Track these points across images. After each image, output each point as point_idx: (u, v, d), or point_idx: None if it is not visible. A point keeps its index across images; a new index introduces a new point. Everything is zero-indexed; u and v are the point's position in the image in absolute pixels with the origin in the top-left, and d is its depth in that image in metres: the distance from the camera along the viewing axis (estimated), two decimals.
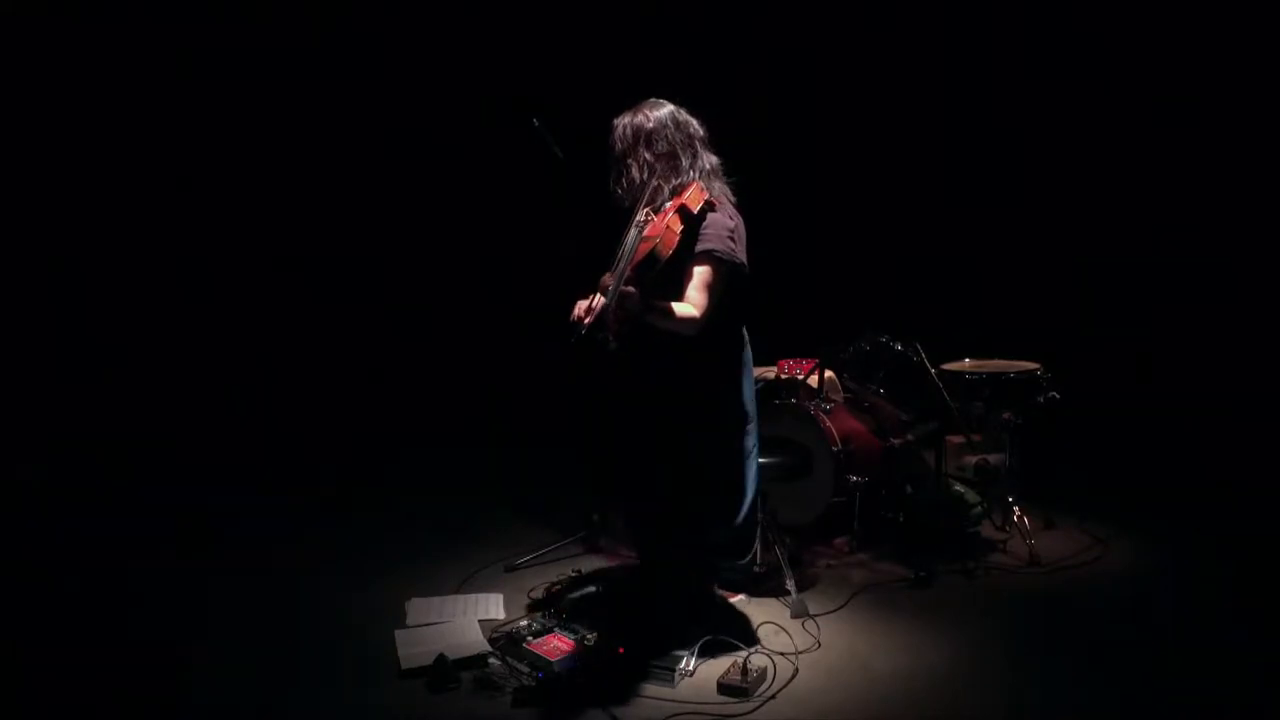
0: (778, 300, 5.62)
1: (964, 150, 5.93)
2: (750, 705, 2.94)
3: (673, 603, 3.34)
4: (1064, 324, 5.63)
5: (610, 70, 5.31)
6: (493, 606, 3.64)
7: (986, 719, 2.94)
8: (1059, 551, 4.12)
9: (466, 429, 6.02)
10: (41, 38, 5.38)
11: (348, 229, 6.19)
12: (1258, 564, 3.93)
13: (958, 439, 4.47)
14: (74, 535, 4.45)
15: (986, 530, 4.32)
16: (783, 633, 3.38)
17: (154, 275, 5.82)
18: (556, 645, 3.17)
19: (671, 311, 2.95)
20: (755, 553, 3.41)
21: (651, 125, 3.08)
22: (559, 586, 3.81)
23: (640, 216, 3.01)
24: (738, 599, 3.67)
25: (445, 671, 3.07)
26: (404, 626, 3.47)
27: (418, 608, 3.61)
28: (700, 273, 3.00)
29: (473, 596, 3.73)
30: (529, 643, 3.20)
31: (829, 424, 4.27)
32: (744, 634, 3.36)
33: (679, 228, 2.96)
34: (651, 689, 3.03)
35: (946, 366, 4.29)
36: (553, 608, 3.51)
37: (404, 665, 3.17)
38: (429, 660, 3.10)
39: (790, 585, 3.61)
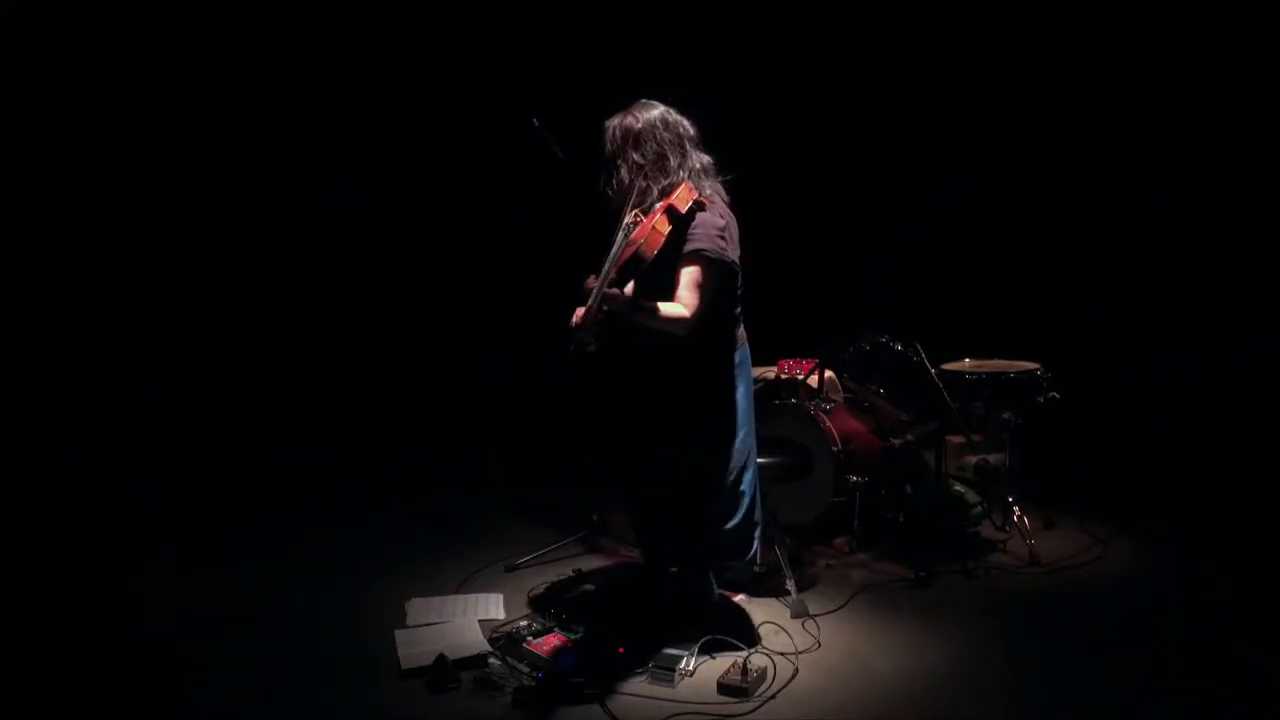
0: (778, 300, 5.64)
1: (964, 150, 5.93)
2: (750, 705, 2.94)
3: (673, 602, 3.34)
4: (1064, 324, 5.63)
5: (611, 70, 5.31)
6: (493, 606, 3.64)
7: (986, 719, 2.94)
8: (1059, 551, 4.12)
9: (466, 429, 6.02)
10: (40, 37, 5.38)
11: (348, 228, 6.19)
12: (1258, 564, 3.93)
13: (958, 439, 4.47)
14: (74, 535, 4.45)
15: (986, 530, 4.32)
16: (783, 633, 3.38)
17: (154, 275, 5.82)
18: (556, 645, 3.17)
19: (660, 311, 2.96)
20: (755, 552, 3.40)
21: (640, 127, 3.09)
22: (559, 586, 3.81)
23: (629, 219, 3.02)
24: (738, 599, 3.67)
25: (445, 671, 3.07)
26: (404, 626, 3.46)
27: (418, 608, 3.61)
28: (690, 273, 3.01)
29: (473, 596, 3.73)
30: (529, 643, 3.20)
31: (829, 424, 4.26)
32: (744, 634, 3.36)
33: (665, 229, 2.97)
34: (651, 689, 3.04)
35: (946, 366, 4.29)
36: (553, 608, 3.51)
37: (404, 665, 3.17)
38: (429, 660, 3.10)
39: (790, 585, 3.61)
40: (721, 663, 3.13)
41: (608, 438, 3.43)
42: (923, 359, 4.11)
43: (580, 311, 3.02)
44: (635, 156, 3.07)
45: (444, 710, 2.96)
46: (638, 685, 3.06)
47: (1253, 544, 4.13)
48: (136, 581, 3.95)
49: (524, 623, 3.40)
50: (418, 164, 6.20)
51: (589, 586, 3.77)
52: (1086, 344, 5.57)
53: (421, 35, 6.02)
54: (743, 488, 3.26)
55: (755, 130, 5.91)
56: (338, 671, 3.20)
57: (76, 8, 5.42)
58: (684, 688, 3.06)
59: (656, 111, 3.13)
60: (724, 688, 3.01)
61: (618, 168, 3.10)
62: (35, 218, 5.49)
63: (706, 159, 3.17)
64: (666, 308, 2.98)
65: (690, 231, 3.02)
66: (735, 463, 3.23)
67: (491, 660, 3.18)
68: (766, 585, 3.76)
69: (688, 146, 3.13)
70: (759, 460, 3.63)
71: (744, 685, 2.99)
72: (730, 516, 3.26)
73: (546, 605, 3.60)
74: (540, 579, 3.91)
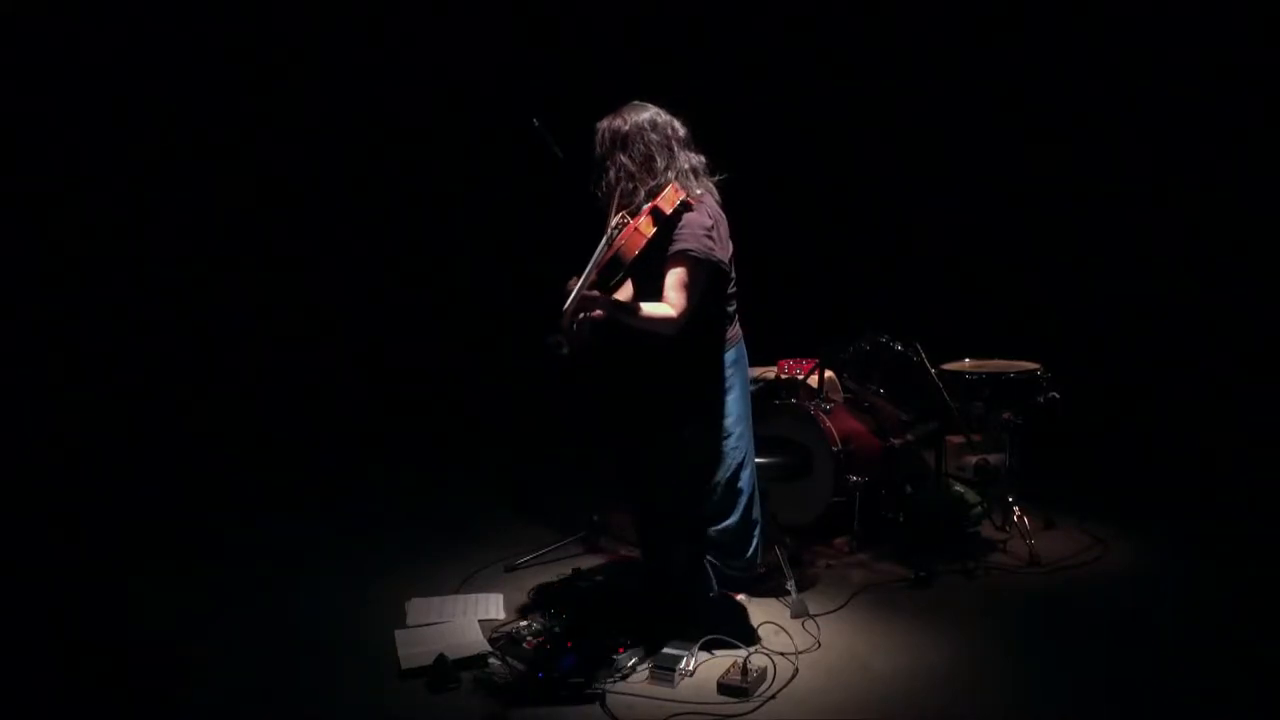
0: (778, 300, 5.64)
1: (964, 150, 5.93)
2: (750, 705, 2.94)
3: (673, 602, 3.34)
4: (1064, 324, 5.63)
5: (610, 69, 5.32)
6: (493, 606, 3.64)
7: (986, 719, 2.94)
8: (1059, 551, 4.11)
9: (466, 429, 6.02)
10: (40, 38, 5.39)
11: (348, 227, 6.19)
12: (1258, 564, 3.93)
13: (958, 439, 4.47)
14: (74, 535, 4.45)
15: (986, 530, 4.32)
16: (783, 633, 3.38)
17: (153, 275, 5.82)
18: (557, 645, 3.16)
19: (645, 312, 2.98)
20: (755, 551, 3.40)
21: (627, 129, 3.11)
22: (559, 585, 3.81)
23: (615, 220, 3.04)
24: (738, 599, 3.67)
25: (445, 671, 3.07)
26: (404, 626, 3.46)
27: (418, 608, 3.61)
28: (676, 273, 3.02)
29: (473, 596, 3.72)
30: (529, 643, 3.20)
31: (829, 424, 4.26)
32: (744, 634, 3.36)
33: (649, 230, 2.99)
34: (651, 689, 3.04)
35: (946, 366, 4.29)
36: (553, 608, 3.51)
37: (404, 665, 3.17)
38: (429, 660, 3.10)
39: (790, 585, 3.61)
40: (721, 663, 3.13)
41: (606, 437, 3.44)
42: (923, 359, 4.11)
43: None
44: (623, 158, 3.09)
45: (444, 710, 2.96)
46: (638, 685, 3.06)
47: (1253, 544, 4.13)
48: (136, 581, 3.95)
49: (524, 623, 3.40)
50: (418, 164, 6.20)
51: (589, 586, 3.77)
52: (1086, 344, 5.57)
53: (419, 35, 6.02)
54: (740, 485, 3.27)
55: (755, 130, 5.92)
56: (338, 671, 3.21)
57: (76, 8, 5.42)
58: (684, 688, 3.06)
59: (646, 114, 3.15)
60: (724, 688, 3.01)
61: (606, 169, 3.13)
62: (36, 217, 5.49)
63: (697, 159, 3.18)
64: (652, 308, 3.00)
65: (677, 232, 3.04)
66: (731, 461, 3.23)
67: (491, 660, 3.18)
68: (766, 585, 3.76)
69: (676, 148, 3.13)
70: (759, 460, 3.65)
71: (744, 685, 2.99)
72: (727, 515, 3.26)
73: (546, 604, 3.59)
74: (540, 579, 3.91)
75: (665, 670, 3.07)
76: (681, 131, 3.17)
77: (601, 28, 5.89)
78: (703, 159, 3.20)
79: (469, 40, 6.04)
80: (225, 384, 5.92)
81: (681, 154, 3.14)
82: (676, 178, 3.09)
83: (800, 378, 4.54)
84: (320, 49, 5.89)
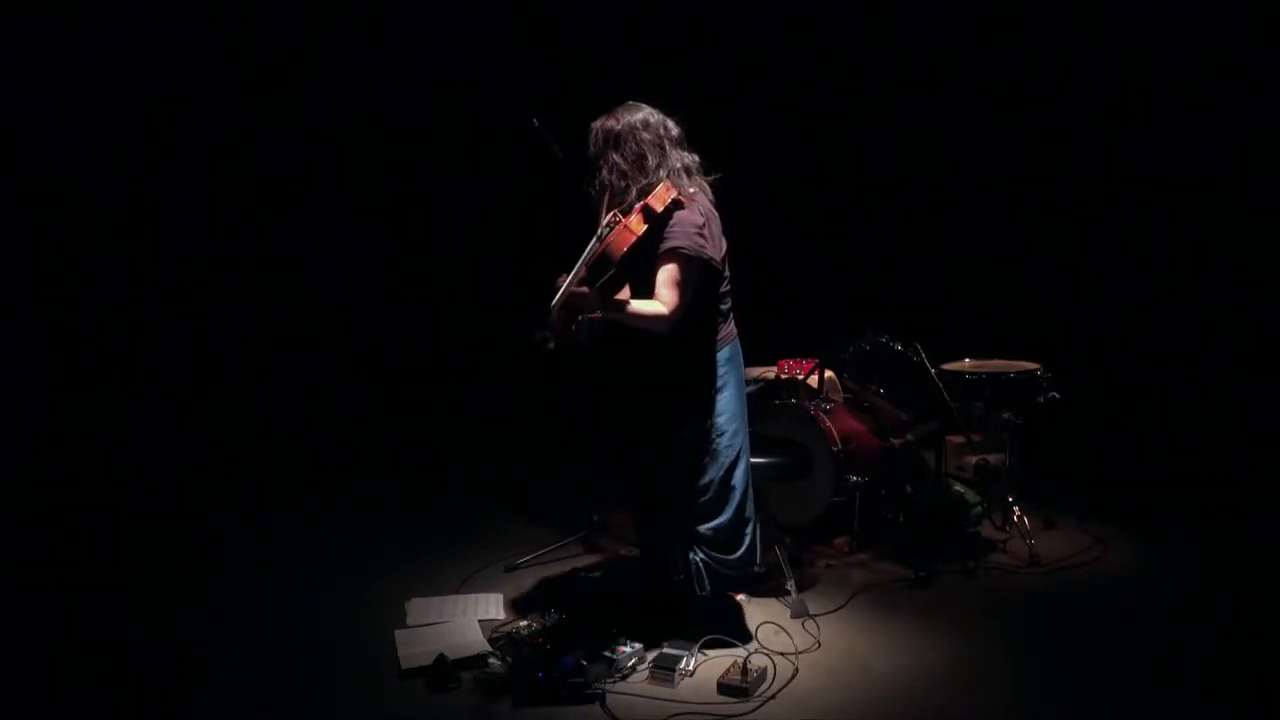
0: (778, 300, 5.65)
1: (964, 150, 5.93)
2: (750, 705, 2.94)
3: (673, 602, 3.34)
4: (1064, 324, 5.63)
5: (610, 69, 5.32)
6: (493, 606, 3.64)
7: (986, 719, 2.94)
8: (1059, 551, 4.12)
9: (466, 429, 6.02)
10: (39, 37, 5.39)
11: (348, 227, 6.19)
12: (1258, 564, 3.93)
13: (958, 439, 4.47)
14: (74, 535, 4.45)
15: (986, 530, 4.32)
16: (783, 633, 3.38)
17: (153, 274, 5.82)
18: (556, 645, 3.16)
19: (637, 309, 3.01)
20: (748, 548, 3.40)
21: (620, 128, 3.13)
22: (556, 586, 3.82)
23: (607, 219, 3.07)
24: (738, 599, 3.67)
25: (445, 671, 3.07)
26: (404, 626, 3.47)
27: (418, 608, 3.61)
28: (667, 270, 3.04)
29: (473, 596, 3.73)
30: (529, 643, 3.19)
31: (829, 424, 4.26)
32: (744, 634, 3.37)
33: (640, 228, 3.01)
34: (651, 689, 3.04)
35: (946, 366, 4.29)
36: (553, 608, 3.51)
37: (404, 665, 3.17)
38: (429, 660, 3.10)
39: (790, 585, 3.61)
40: (721, 663, 3.13)
41: (603, 437, 3.45)
42: (923, 359, 4.11)
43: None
44: (615, 157, 3.12)
45: (444, 710, 2.96)
46: (638, 685, 3.06)
47: (1253, 544, 4.12)
48: (136, 581, 3.95)
49: (524, 623, 3.40)
50: (418, 164, 6.20)
51: (588, 586, 3.77)
52: (1086, 344, 5.57)
53: (418, 35, 6.02)
54: (733, 483, 3.27)
55: (756, 130, 5.92)
56: (338, 671, 3.21)
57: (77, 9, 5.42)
58: (684, 688, 3.06)
59: (639, 114, 3.17)
60: (724, 688, 3.01)
61: (599, 168, 3.16)
62: (36, 215, 5.49)
63: (690, 158, 3.20)
64: (643, 305, 3.03)
65: (668, 230, 3.06)
66: (724, 459, 3.24)
67: (491, 660, 3.18)
68: (766, 585, 3.76)
69: (668, 147, 3.15)
70: (760, 460, 3.65)
71: (744, 685, 2.99)
72: (720, 513, 3.27)
73: (546, 604, 3.59)
74: (540, 579, 3.91)
75: (665, 670, 3.07)
76: (674, 131, 3.19)
77: (601, 27, 5.89)
78: (696, 158, 3.22)
79: (469, 40, 6.04)
80: (225, 384, 5.92)
81: (674, 153, 3.16)
82: (668, 176, 3.11)
83: (800, 378, 4.54)
84: (320, 49, 5.89)
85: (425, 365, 6.24)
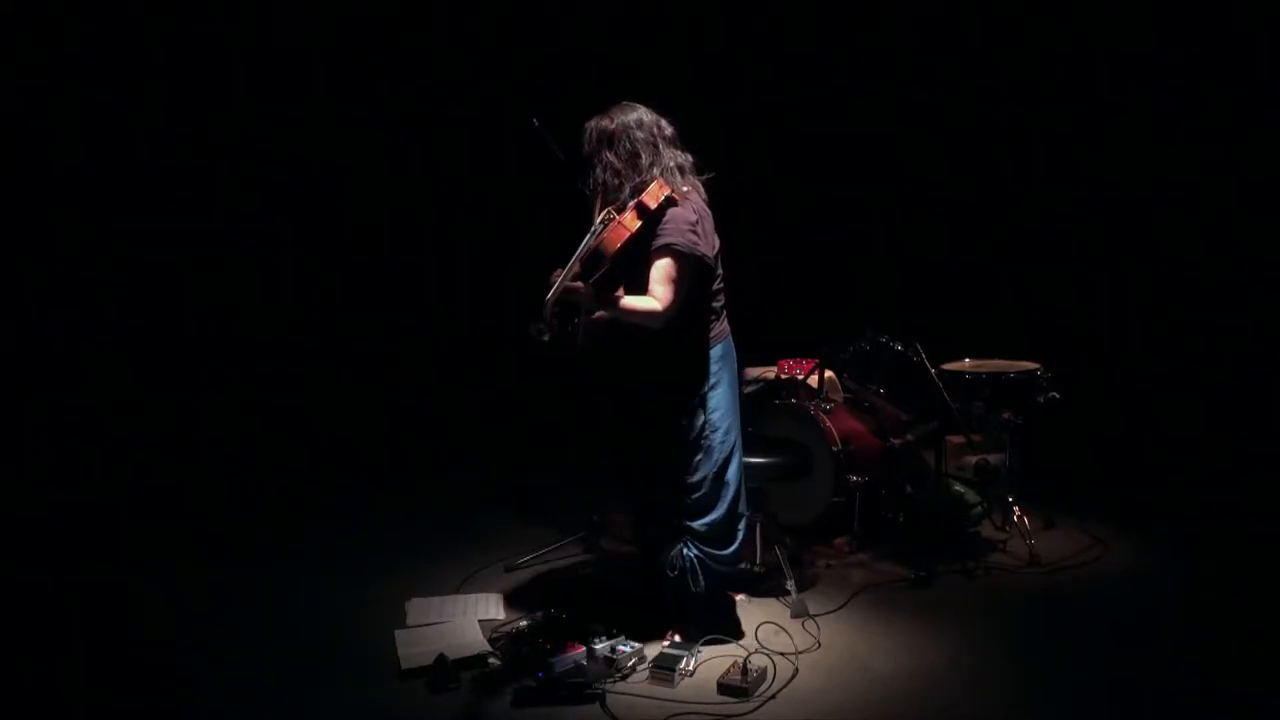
0: (778, 300, 5.65)
1: (964, 150, 5.93)
2: (750, 705, 2.94)
3: (673, 601, 3.35)
4: (1064, 324, 5.63)
5: (610, 69, 5.32)
6: (493, 606, 3.64)
7: (986, 719, 2.94)
8: (1059, 551, 4.12)
9: (466, 428, 6.02)
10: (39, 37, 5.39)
11: (348, 226, 6.19)
12: (1258, 564, 3.93)
13: (958, 439, 4.47)
14: (74, 535, 4.45)
15: (986, 530, 4.32)
16: (783, 633, 3.38)
17: (152, 274, 5.82)
18: (556, 645, 3.17)
19: (630, 305, 3.05)
20: (746, 547, 3.40)
21: (614, 127, 3.17)
22: (558, 584, 3.82)
23: (601, 216, 3.11)
24: (738, 599, 3.67)
25: (445, 671, 3.07)
26: (404, 626, 3.47)
27: (418, 608, 3.61)
28: (661, 266, 3.07)
29: (473, 596, 3.73)
30: (529, 643, 3.19)
31: (829, 424, 4.27)
32: (744, 634, 3.37)
33: (634, 225, 3.04)
34: (651, 689, 3.04)
35: (946, 366, 4.29)
36: (553, 607, 3.51)
37: (404, 665, 3.17)
38: (429, 660, 3.11)
39: (790, 585, 3.61)
40: (721, 663, 3.13)
41: (601, 435, 3.46)
42: (923, 359, 4.11)
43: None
44: (609, 155, 3.15)
45: (444, 710, 2.96)
46: (638, 685, 3.06)
47: (1253, 544, 4.12)
48: (136, 581, 3.95)
49: (524, 623, 3.40)
50: (418, 164, 6.20)
51: (587, 585, 3.77)
52: (1086, 344, 5.57)
53: (418, 35, 6.02)
54: (726, 479, 3.29)
55: (756, 130, 5.93)
56: (338, 671, 3.21)
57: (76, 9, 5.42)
58: (684, 688, 3.06)
59: (633, 114, 3.20)
60: (724, 688, 3.01)
61: (594, 166, 3.19)
62: (37, 215, 5.49)
63: (684, 157, 3.24)
64: (637, 301, 3.06)
65: (661, 227, 3.09)
66: (718, 455, 3.25)
67: (491, 660, 3.18)
68: (766, 585, 3.76)
69: (661, 145, 3.19)
70: (760, 460, 3.66)
71: (744, 685, 2.99)
72: (713, 509, 3.27)
73: (546, 604, 3.59)
74: (540, 579, 3.91)
75: (665, 670, 3.07)
76: (668, 130, 3.23)
77: (601, 27, 5.89)
78: (689, 157, 3.25)
79: (469, 40, 6.04)
80: (225, 383, 5.91)
81: (667, 151, 3.20)
82: (661, 174, 3.15)
83: (800, 378, 4.54)
84: (320, 49, 5.89)
85: (425, 365, 6.23)
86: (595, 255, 3.03)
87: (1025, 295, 5.76)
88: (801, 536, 4.23)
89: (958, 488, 4.31)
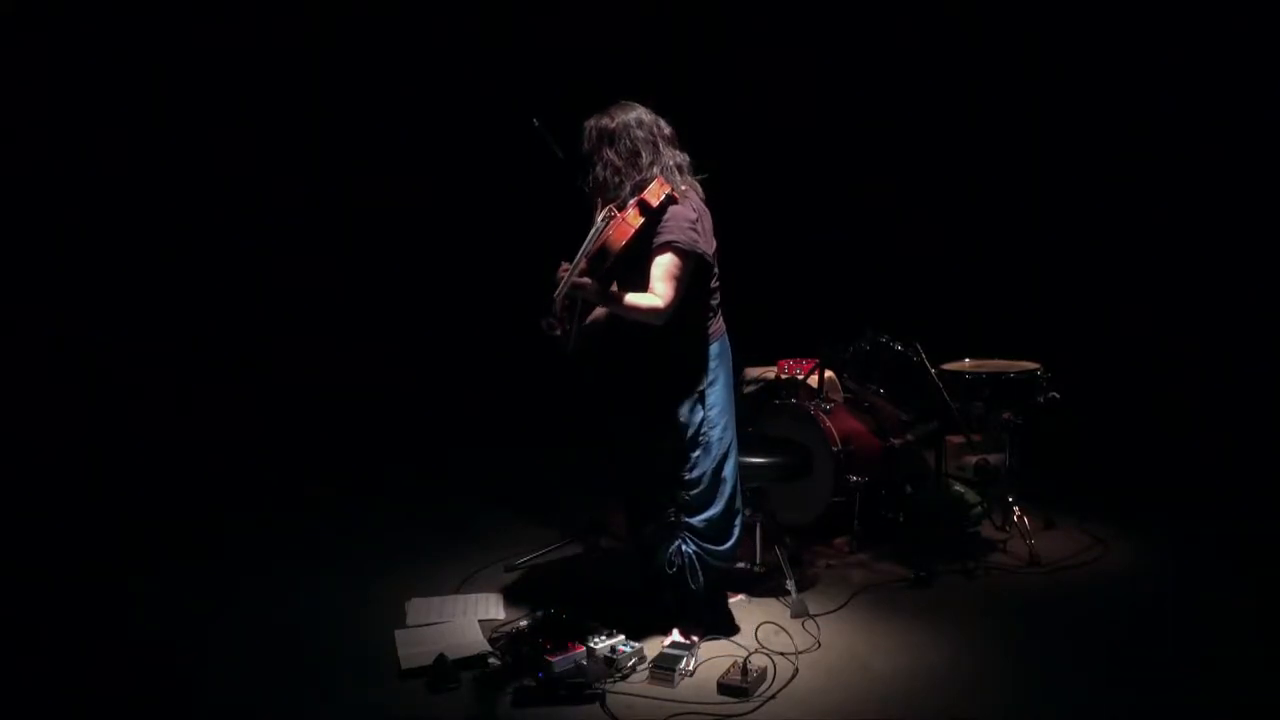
0: (778, 300, 5.65)
1: (964, 150, 5.93)
2: (750, 705, 2.94)
3: (672, 599, 3.35)
4: (1064, 324, 5.63)
5: (610, 69, 5.31)
6: (493, 606, 3.64)
7: (986, 719, 2.94)
8: (1059, 551, 4.12)
9: (467, 429, 6.02)
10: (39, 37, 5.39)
11: (347, 226, 6.19)
12: (1258, 564, 3.93)
13: (958, 439, 4.47)
14: (74, 535, 4.45)
15: (986, 530, 4.32)
16: (783, 633, 3.38)
17: (151, 274, 5.82)
18: (556, 645, 3.17)
19: (633, 301, 3.07)
20: (739, 541, 3.40)
21: (614, 126, 3.19)
22: (558, 583, 3.82)
23: (603, 213, 3.13)
24: (738, 599, 3.67)
25: (445, 671, 3.07)
26: (404, 626, 3.47)
27: (418, 608, 3.61)
28: (663, 263, 3.09)
29: (473, 596, 3.73)
30: (529, 643, 3.19)
31: (829, 424, 4.27)
32: (744, 634, 3.37)
33: (636, 222, 3.07)
34: (651, 689, 3.04)
35: (946, 366, 4.29)
36: (553, 607, 3.51)
37: (404, 665, 3.17)
38: (429, 660, 3.11)
39: (790, 585, 3.61)
40: (721, 662, 3.13)
41: (602, 433, 3.46)
42: (923, 359, 4.10)
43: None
44: (610, 153, 3.17)
45: (444, 710, 2.96)
46: (638, 685, 3.06)
47: (1253, 544, 4.12)
48: (136, 581, 3.95)
49: (524, 623, 3.40)
50: (417, 162, 6.20)
51: (587, 585, 3.77)
52: (1086, 344, 5.57)
53: (416, 35, 6.02)
54: (724, 475, 3.30)
55: (756, 130, 5.93)
56: (338, 671, 3.21)
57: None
58: (684, 688, 3.06)
59: (633, 112, 3.22)
60: (724, 688, 3.01)
61: (594, 164, 3.21)
62: (37, 213, 5.49)
63: (682, 157, 3.26)
64: (639, 298, 3.08)
65: (662, 224, 3.11)
66: (716, 452, 3.26)
67: (491, 660, 3.18)
68: (766, 585, 3.77)
69: (661, 145, 3.22)
70: (760, 460, 3.67)
71: (744, 685, 2.99)
72: (711, 505, 3.28)
73: (545, 605, 3.59)
74: (540, 579, 3.91)
75: (665, 670, 3.07)
76: (667, 130, 3.25)
77: (602, 27, 5.89)
78: (686, 157, 3.28)
79: (469, 40, 6.04)
80: (225, 383, 5.91)
81: (666, 151, 3.22)
82: (661, 173, 3.17)
83: (800, 378, 4.54)
84: (319, 48, 5.89)
85: (425, 365, 6.23)
86: (601, 252, 3.06)
87: (1025, 295, 5.76)
88: (801, 536, 4.23)
89: (958, 488, 4.31)
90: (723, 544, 3.32)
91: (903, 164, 6.00)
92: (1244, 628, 3.42)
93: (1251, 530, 4.26)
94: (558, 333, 3.02)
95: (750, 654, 3.14)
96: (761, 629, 3.38)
